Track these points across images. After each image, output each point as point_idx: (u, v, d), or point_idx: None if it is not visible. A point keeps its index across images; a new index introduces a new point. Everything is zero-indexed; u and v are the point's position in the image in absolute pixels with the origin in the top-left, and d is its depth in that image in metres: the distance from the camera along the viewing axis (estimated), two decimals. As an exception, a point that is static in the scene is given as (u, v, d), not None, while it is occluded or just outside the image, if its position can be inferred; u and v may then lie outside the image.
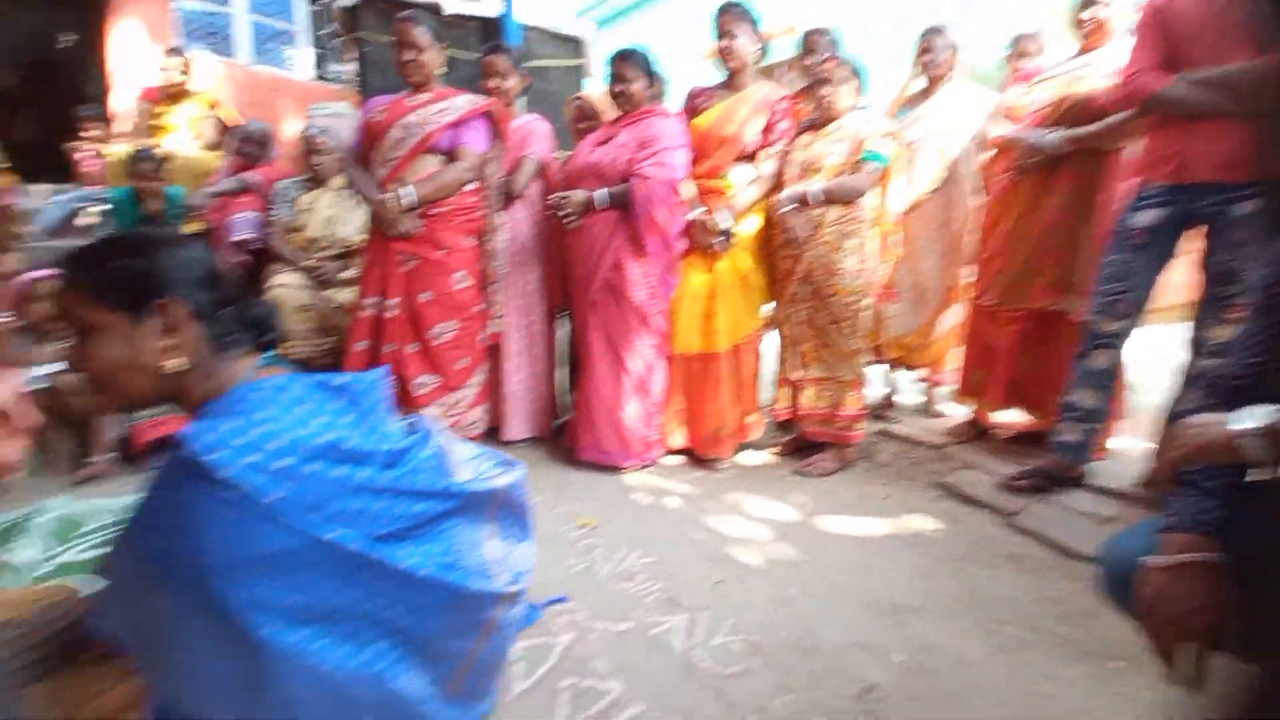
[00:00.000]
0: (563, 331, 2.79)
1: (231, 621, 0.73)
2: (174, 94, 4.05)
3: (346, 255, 2.95)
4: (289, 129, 4.77)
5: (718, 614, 1.53)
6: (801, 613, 1.55)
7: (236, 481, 0.74)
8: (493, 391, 2.55)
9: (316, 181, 3.10)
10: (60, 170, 4.36)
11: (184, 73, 4.05)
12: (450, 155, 2.30)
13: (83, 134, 4.68)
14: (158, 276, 0.85)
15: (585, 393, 2.41)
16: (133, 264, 0.85)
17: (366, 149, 2.34)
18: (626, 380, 2.36)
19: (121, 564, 0.80)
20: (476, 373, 2.41)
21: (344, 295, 2.80)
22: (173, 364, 0.85)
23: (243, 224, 3.14)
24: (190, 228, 3.19)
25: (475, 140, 2.32)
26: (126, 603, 0.80)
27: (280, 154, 3.78)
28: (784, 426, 2.65)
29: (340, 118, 4.12)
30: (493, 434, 2.55)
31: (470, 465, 1.03)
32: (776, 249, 2.43)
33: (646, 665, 1.35)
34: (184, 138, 3.97)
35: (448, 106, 2.28)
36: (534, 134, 2.65)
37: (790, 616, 1.53)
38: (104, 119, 5.13)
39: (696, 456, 2.49)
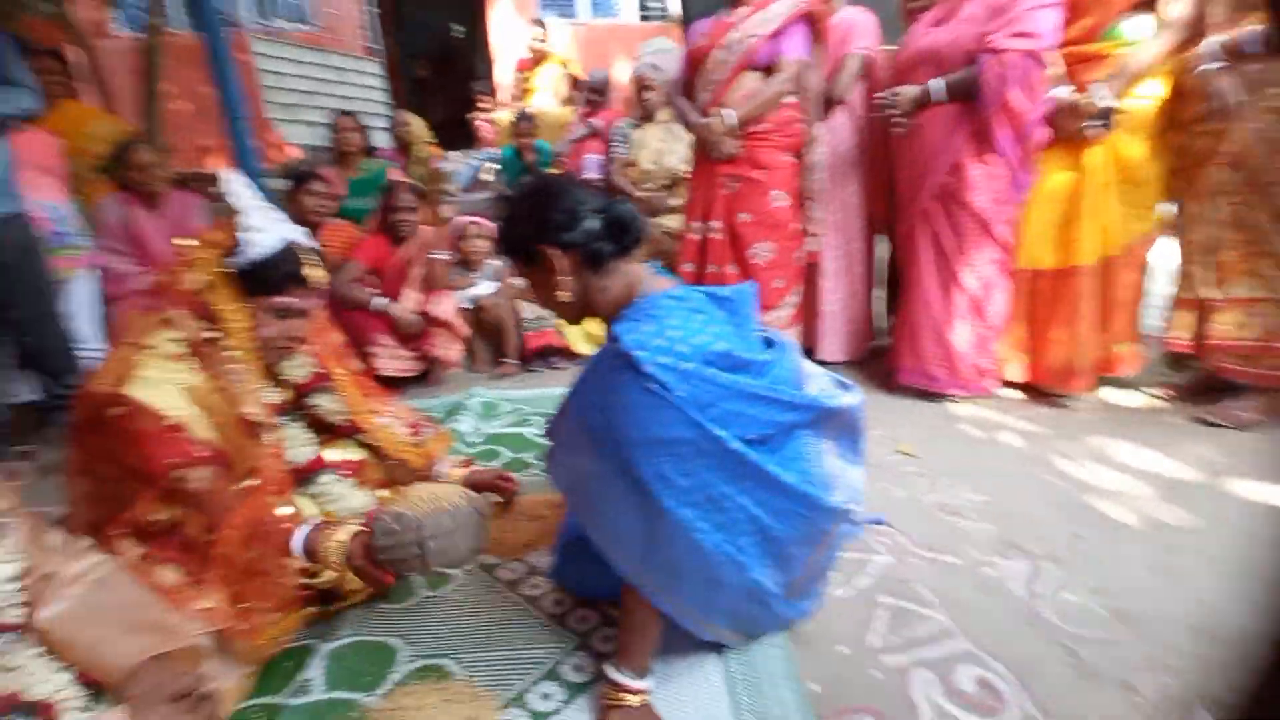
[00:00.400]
0: (881, 250, 2.59)
1: (642, 487, 0.90)
2: (537, 60, 4.78)
3: (673, 184, 3.18)
4: (622, 72, 5.24)
5: (1073, 569, 1.33)
6: (1195, 588, 1.25)
7: (653, 375, 0.89)
8: (808, 311, 2.53)
9: (646, 118, 3.37)
10: (466, 139, 5.58)
11: (543, 40, 4.74)
12: (769, 69, 2.24)
13: (478, 106, 5.86)
14: (527, 236, 1.06)
15: (910, 312, 2.23)
16: (509, 231, 1.09)
17: (691, 76, 2.40)
18: (959, 299, 2.10)
19: (564, 428, 1.04)
20: (792, 293, 2.41)
21: (671, 221, 3.04)
22: (561, 295, 1.05)
23: (590, 165, 3.63)
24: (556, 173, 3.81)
25: (792, 48, 2.21)
26: (565, 458, 1.04)
27: (616, 97, 4.21)
28: (1179, 361, 2.08)
29: (665, 53, 4.36)
30: (806, 355, 2.55)
31: (816, 381, 1.07)
32: (1187, 125, 1.84)
33: (976, 604, 1.25)
34: (545, 97, 4.69)
35: (767, 16, 2.20)
36: (855, 28, 2.42)
37: (1177, 590, 1.25)
38: (491, 92, 6.35)
39: (1040, 391, 2.13)
